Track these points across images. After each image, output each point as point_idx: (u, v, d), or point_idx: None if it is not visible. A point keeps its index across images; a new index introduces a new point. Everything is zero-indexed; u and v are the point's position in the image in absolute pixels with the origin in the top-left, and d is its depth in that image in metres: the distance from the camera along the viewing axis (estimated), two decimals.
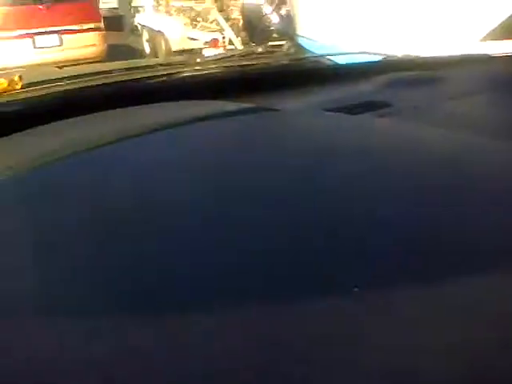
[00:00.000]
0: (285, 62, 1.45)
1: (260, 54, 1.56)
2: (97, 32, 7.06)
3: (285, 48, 3.82)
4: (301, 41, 4.15)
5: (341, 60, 1.47)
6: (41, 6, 6.53)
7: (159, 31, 7.53)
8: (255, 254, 0.51)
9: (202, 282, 0.48)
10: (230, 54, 1.67)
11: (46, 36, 6.58)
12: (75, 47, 6.72)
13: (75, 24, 6.78)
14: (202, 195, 0.61)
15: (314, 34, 3.87)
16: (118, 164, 0.69)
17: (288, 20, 5.24)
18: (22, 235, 0.56)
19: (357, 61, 1.48)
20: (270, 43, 5.24)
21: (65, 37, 6.72)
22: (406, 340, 0.42)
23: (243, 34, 6.62)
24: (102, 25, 7.22)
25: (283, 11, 5.77)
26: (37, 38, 6.54)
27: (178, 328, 0.44)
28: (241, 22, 6.74)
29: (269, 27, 5.98)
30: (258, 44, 5.53)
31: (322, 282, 0.48)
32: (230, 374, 0.40)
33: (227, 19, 6.88)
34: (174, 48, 7.00)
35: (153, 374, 0.39)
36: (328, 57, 1.53)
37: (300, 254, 0.52)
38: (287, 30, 5.17)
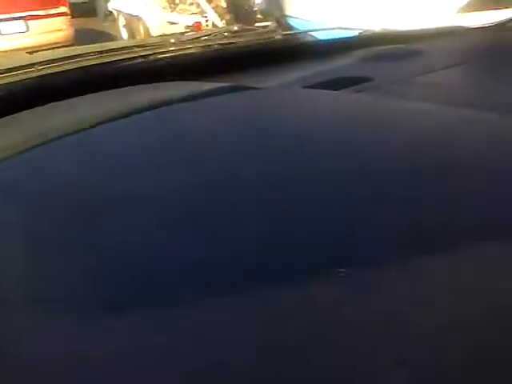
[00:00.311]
0: (262, 41, 1.44)
1: (237, 32, 1.54)
2: (63, 17, 7.05)
3: (270, 28, 3.77)
4: (289, 20, 4.12)
5: (319, 36, 1.46)
6: None
7: (136, 16, 7.28)
8: (241, 242, 0.51)
9: (190, 272, 0.47)
10: (205, 33, 1.65)
11: (11, 22, 6.57)
12: (41, 32, 6.71)
13: (40, 9, 6.77)
14: (182, 181, 0.60)
15: (302, 12, 3.84)
16: (96, 150, 0.68)
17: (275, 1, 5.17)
18: (9, 223, 0.55)
19: (334, 36, 1.47)
20: (257, 24, 5.14)
21: (31, 23, 6.70)
22: (396, 327, 0.42)
23: (227, 16, 6.34)
24: (67, 9, 7.20)
25: None
26: (2, 24, 6.52)
27: (170, 323, 0.43)
28: (223, 3, 6.47)
29: (253, 8, 5.83)
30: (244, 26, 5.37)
31: (309, 268, 0.48)
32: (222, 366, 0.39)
33: (209, 1, 6.56)
34: (154, 33, 6.76)
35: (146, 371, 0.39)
36: (307, 33, 1.52)
37: (287, 239, 0.51)
38: (272, 10, 5.10)
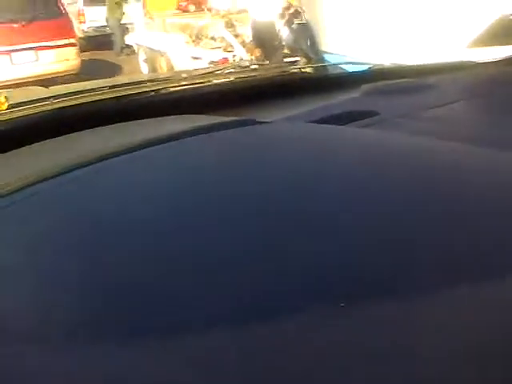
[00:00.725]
0: (272, 75, 1.46)
1: (252, 67, 1.56)
2: (71, 47, 7.38)
3: (300, 63, 3.70)
4: (323, 55, 4.11)
5: (336, 69, 1.48)
6: (16, 25, 6.84)
7: (159, 50, 7.12)
8: (243, 269, 0.51)
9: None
10: (218, 67, 1.68)
11: (22, 52, 6.87)
12: (50, 62, 7.05)
13: (50, 40, 7.09)
14: (190, 214, 0.61)
15: (335, 47, 3.84)
16: (105, 183, 0.69)
17: (302, 35, 5.09)
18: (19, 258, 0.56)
19: (345, 70, 1.48)
20: (285, 60, 4.91)
21: (40, 52, 7.01)
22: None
23: (256, 51, 5.82)
24: (75, 40, 7.60)
25: (295, 26, 5.44)
26: (13, 54, 6.82)
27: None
28: (249, 39, 6.11)
29: (281, 43, 5.64)
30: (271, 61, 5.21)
31: (310, 295, 0.48)
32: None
33: (235, 36, 6.28)
34: (177, 68, 6.56)
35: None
36: (318, 67, 1.54)
37: (290, 266, 0.51)
38: (299, 44, 5.07)
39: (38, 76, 6.43)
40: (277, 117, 0.98)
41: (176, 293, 0.49)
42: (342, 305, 0.46)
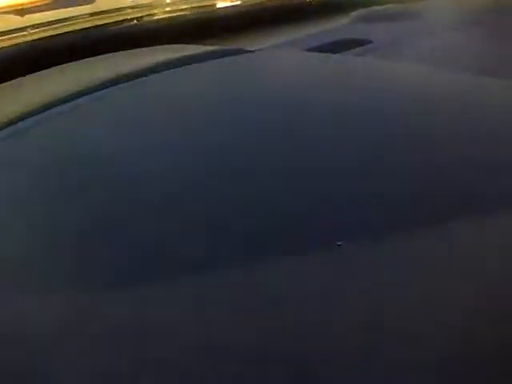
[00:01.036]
0: (256, 2, 1.41)
1: None
2: None
3: None
4: None
5: None
6: None
7: None
8: (236, 208, 0.50)
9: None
10: None
11: None
12: None
13: None
14: (178, 146, 0.59)
15: None
16: (93, 117, 0.67)
17: None
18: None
19: None
20: None
21: None
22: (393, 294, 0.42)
23: None
24: None
25: None
26: None
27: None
28: None
29: None
30: None
31: (306, 235, 0.48)
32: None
33: None
34: None
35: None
36: None
37: (283, 204, 0.51)
38: None
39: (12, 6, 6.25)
40: (266, 45, 0.96)
41: (167, 232, 0.48)
42: (339, 243, 0.46)
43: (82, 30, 1.04)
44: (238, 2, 1.35)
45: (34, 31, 1.02)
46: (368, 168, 0.53)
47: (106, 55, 0.86)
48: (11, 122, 0.64)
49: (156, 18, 1.18)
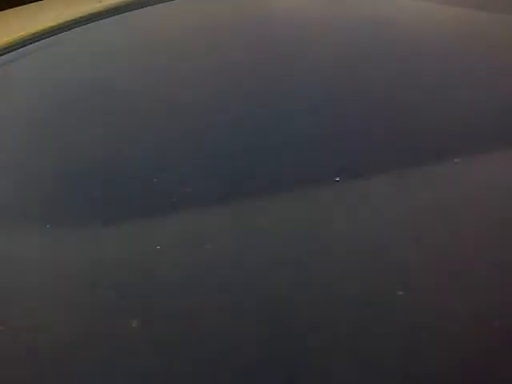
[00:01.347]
0: None
1: None
2: None
3: None
4: None
5: None
6: None
7: None
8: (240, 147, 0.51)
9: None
10: None
11: None
12: None
13: None
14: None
15: None
16: (92, 44, 0.68)
17: None
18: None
19: None
20: None
21: None
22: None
23: None
24: None
25: None
26: None
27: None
28: None
29: None
30: None
31: (305, 173, 0.48)
32: None
33: None
34: None
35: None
36: None
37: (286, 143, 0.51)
38: None
39: None
40: None
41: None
42: (337, 179, 0.46)
43: None
44: None
45: None
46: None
47: None
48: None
49: None
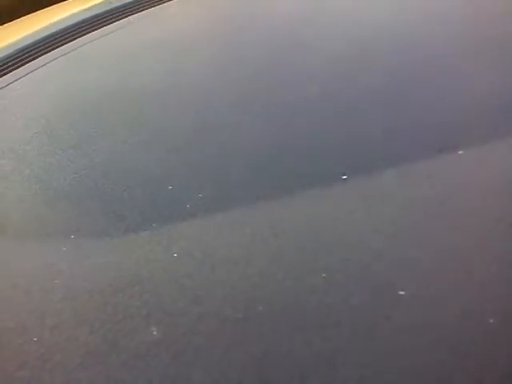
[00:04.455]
0: None
1: None
2: None
3: None
4: None
5: None
6: None
7: None
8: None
9: None
10: None
11: None
12: None
13: None
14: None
15: None
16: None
17: None
18: None
19: None
20: None
21: None
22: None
23: None
24: None
25: None
26: None
27: None
28: None
29: None
30: None
31: (312, 168, 0.49)
32: None
33: None
34: None
35: None
36: None
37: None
38: None
39: None
40: None
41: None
42: (345, 177, 0.48)
43: None
44: None
45: None
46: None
47: None
48: None
49: None
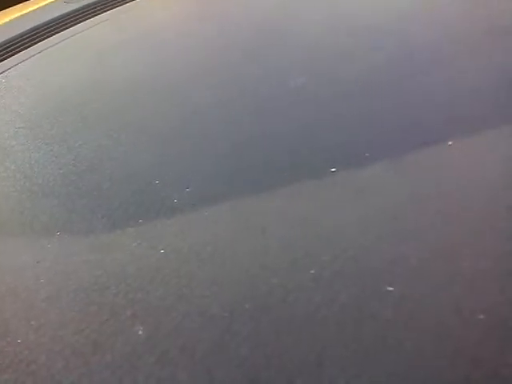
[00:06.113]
0: None
1: None
2: None
3: None
4: None
5: None
6: None
7: None
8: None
9: None
10: None
11: None
12: None
13: None
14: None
15: None
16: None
17: None
18: None
19: None
20: None
21: None
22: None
23: None
24: None
25: None
26: None
27: None
28: None
29: None
30: None
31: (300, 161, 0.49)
32: None
33: None
34: None
35: None
36: None
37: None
38: None
39: None
40: None
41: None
42: (333, 169, 0.47)
43: None
44: None
45: None
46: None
47: None
48: None
49: None
